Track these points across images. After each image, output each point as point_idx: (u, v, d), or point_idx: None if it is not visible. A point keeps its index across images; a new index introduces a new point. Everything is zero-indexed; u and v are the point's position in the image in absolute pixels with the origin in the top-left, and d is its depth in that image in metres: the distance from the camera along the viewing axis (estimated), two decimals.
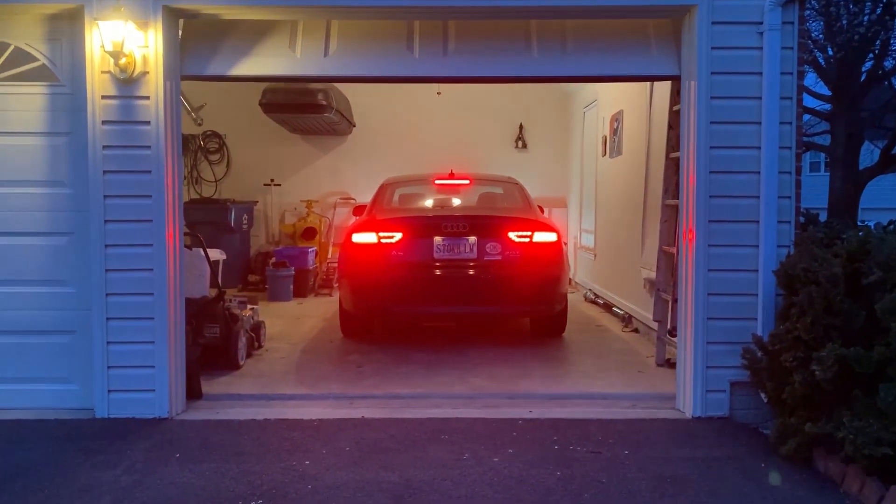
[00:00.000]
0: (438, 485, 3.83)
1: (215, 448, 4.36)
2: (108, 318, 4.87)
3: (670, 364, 6.07)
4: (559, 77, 6.08)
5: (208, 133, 11.98)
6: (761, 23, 4.74)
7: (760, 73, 4.77)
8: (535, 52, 5.14)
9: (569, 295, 7.55)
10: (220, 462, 4.13)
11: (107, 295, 4.86)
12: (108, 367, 4.88)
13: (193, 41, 5.10)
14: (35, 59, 4.95)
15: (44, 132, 4.97)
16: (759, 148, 4.80)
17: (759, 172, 4.81)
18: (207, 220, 10.06)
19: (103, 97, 4.80)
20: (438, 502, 3.63)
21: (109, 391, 4.89)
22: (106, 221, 4.84)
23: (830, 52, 13.98)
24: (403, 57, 5.13)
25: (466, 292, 6.87)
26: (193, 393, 5.25)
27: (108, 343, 4.87)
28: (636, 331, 7.84)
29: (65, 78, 4.95)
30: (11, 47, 4.94)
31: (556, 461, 4.15)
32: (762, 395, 4.64)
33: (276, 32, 5.13)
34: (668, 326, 6.18)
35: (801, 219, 5.00)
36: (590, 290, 10.27)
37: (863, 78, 14.00)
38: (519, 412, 5.02)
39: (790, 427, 4.17)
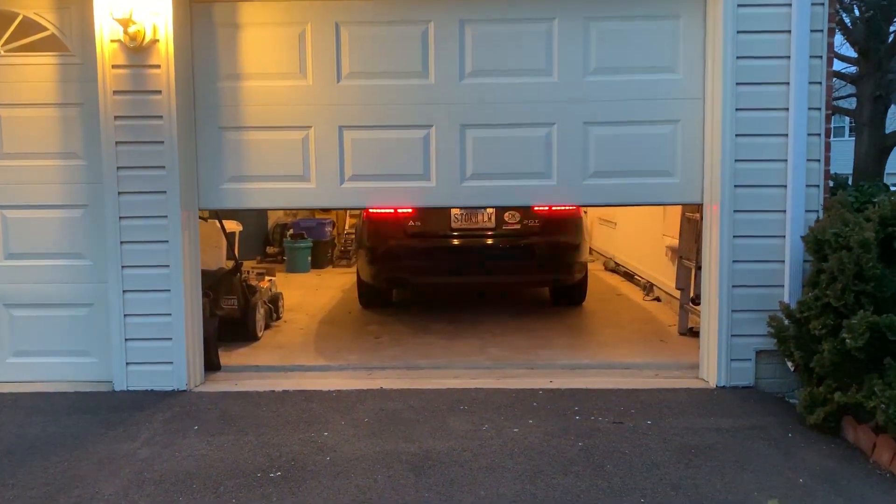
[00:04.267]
0: (458, 456, 3.78)
1: (234, 420, 4.34)
2: (124, 291, 4.84)
3: (693, 333, 5.98)
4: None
5: None
6: None
7: (789, 32, 4.60)
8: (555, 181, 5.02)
9: (588, 264, 7.46)
10: (239, 434, 4.11)
11: (123, 267, 4.83)
12: (126, 340, 4.87)
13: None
14: (44, 29, 4.87)
15: (55, 103, 4.92)
16: (787, 109, 4.64)
17: (786, 135, 4.66)
18: None
19: (114, 66, 4.72)
20: (458, 473, 3.58)
21: (127, 364, 4.88)
22: (120, 193, 4.79)
23: (857, 13, 13.61)
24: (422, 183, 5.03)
25: (484, 262, 6.80)
26: (211, 365, 5.24)
27: (125, 315, 4.86)
28: (657, 299, 7.74)
29: (75, 47, 4.87)
30: (20, 17, 4.86)
31: (578, 432, 4.09)
32: (789, 364, 4.55)
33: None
34: (691, 295, 6.08)
35: (830, 183, 4.85)
36: (610, 258, 10.15)
37: (891, 39, 13.63)
38: (539, 382, 4.96)
39: (818, 396, 4.08)
